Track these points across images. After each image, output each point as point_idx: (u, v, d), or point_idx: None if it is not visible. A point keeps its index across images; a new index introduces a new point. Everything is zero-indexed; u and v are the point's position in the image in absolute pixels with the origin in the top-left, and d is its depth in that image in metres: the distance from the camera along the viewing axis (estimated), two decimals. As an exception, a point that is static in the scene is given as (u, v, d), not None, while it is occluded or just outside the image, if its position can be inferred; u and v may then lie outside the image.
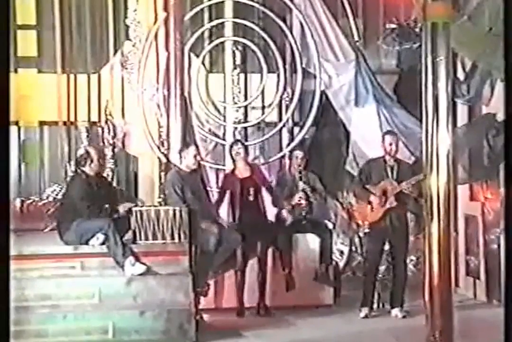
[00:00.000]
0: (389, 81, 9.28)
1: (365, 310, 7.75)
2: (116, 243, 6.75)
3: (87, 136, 8.87)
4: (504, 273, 4.38)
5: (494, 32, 7.44)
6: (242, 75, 9.26)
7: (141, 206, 7.15)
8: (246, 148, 8.18)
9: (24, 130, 8.97)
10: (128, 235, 6.97)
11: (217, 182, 8.99)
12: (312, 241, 8.16)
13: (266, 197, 8.14)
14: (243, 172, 8.04)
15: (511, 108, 4.30)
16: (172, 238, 6.91)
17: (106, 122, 8.83)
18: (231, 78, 9.23)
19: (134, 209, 6.98)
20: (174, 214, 6.93)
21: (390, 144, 7.73)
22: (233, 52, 9.22)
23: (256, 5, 9.19)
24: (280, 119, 9.29)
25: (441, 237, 5.44)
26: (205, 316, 7.39)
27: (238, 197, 7.95)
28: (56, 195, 8.68)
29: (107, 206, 7.02)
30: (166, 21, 8.80)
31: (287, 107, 9.26)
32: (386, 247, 7.84)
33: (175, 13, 8.77)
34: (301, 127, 9.24)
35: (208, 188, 8.26)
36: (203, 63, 9.21)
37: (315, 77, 9.17)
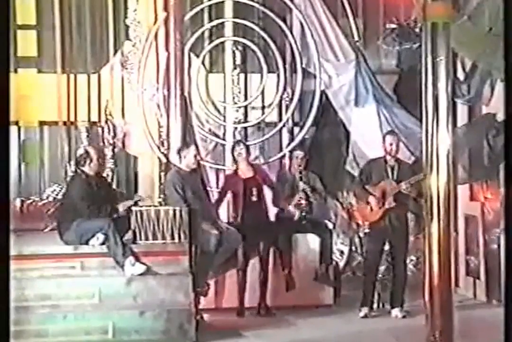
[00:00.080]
0: (389, 81, 9.27)
1: (364, 310, 7.76)
2: (116, 243, 6.75)
3: (87, 136, 8.87)
4: (504, 273, 4.38)
5: (494, 32, 7.44)
6: (242, 75, 9.26)
7: (141, 201, 7.15)
8: (248, 148, 8.17)
9: (24, 130, 8.97)
10: (128, 235, 6.97)
11: (217, 182, 9.00)
12: (312, 241, 8.17)
13: (269, 197, 8.14)
14: (245, 172, 8.03)
15: (511, 108, 4.30)
16: (172, 238, 6.91)
17: (106, 122, 8.83)
18: (231, 78, 9.23)
19: (134, 208, 6.98)
20: (174, 214, 6.93)
21: (391, 144, 7.73)
22: (233, 52, 9.22)
23: (256, 5, 9.18)
24: (280, 119, 9.29)
25: (441, 237, 5.44)
26: (205, 316, 7.39)
27: (241, 197, 7.94)
28: (56, 195, 8.68)
29: (107, 205, 7.03)
30: (166, 21, 8.80)
31: (287, 107, 9.26)
32: (386, 247, 7.85)
33: (175, 13, 8.77)
34: (301, 127, 9.24)
35: (208, 188, 8.25)
36: (203, 63, 9.21)
37: (315, 77, 9.17)
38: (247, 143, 8.68)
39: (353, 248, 9.03)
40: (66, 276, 6.78)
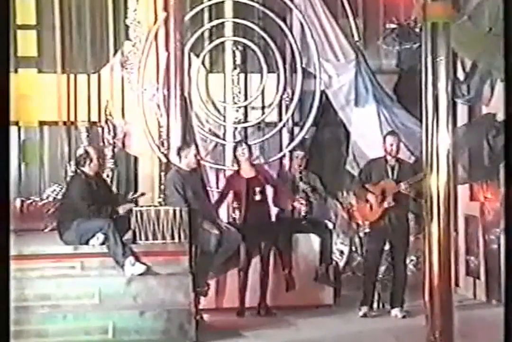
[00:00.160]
0: (389, 81, 9.27)
1: (364, 309, 7.76)
2: (116, 243, 6.75)
3: (87, 136, 8.87)
4: (504, 273, 4.37)
5: (494, 32, 7.44)
6: (242, 75, 9.25)
7: (139, 197, 7.13)
8: (250, 149, 8.17)
9: (24, 130, 8.96)
10: (128, 235, 6.97)
11: (217, 182, 9.00)
12: (312, 241, 8.16)
13: (271, 197, 8.14)
14: (248, 172, 8.02)
15: (511, 108, 4.29)
16: (172, 238, 6.91)
17: (106, 122, 8.83)
18: (231, 78, 9.22)
19: (134, 208, 6.99)
20: (174, 214, 6.93)
21: (391, 145, 7.73)
22: (233, 52, 9.22)
23: (256, 5, 9.18)
24: (280, 119, 9.29)
25: (441, 237, 5.45)
26: (205, 316, 7.39)
27: (244, 197, 7.94)
28: (56, 195, 8.68)
29: (107, 205, 7.03)
30: (166, 21, 8.79)
31: (287, 107, 9.26)
32: (386, 246, 7.85)
33: (175, 13, 8.76)
34: (301, 127, 9.24)
35: (208, 188, 8.25)
36: (203, 63, 9.21)
37: (315, 77, 9.17)
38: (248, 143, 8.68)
39: (353, 248, 9.03)
40: (66, 276, 6.78)
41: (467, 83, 8.29)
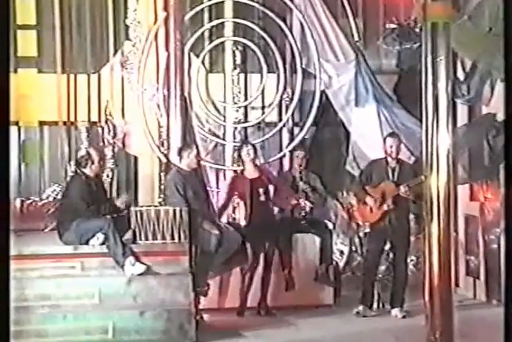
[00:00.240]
0: (389, 81, 9.27)
1: (361, 308, 7.74)
2: (116, 242, 6.75)
3: (87, 136, 8.86)
4: (504, 273, 4.37)
5: (494, 32, 7.44)
6: (242, 75, 9.25)
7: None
8: (255, 149, 8.16)
9: (24, 130, 8.96)
10: (128, 235, 6.97)
11: (217, 182, 9.00)
12: (312, 241, 8.16)
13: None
14: (252, 172, 8.02)
15: (511, 108, 4.29)
16: (172, 238, 6.91)
17: (106, 122, 8.82)
18: (231, 78, 9.22)
19: (134, 208, 6.99)
20: (174, 214, 6.93)
21: (391, 146, 7.73)
22: (233, 52, 9.22)
23: (256, 5, 9.18)
24: (280, 119, 9.28)
25: (441, 237, 5.44)
26: (205, 316, 7.39)
27: (248, 198, 7.93)
28: (56, 195, 8.67)
29: (107, 205, 7.06)
30: (166, 21, 8.79)
31: (287, 107, 9.25)
32: (387, 247, 7.85)
33: (175, 13, 8.76)
34: (301, 127, 9.23)
35: (208, 188, 8.25)
36: (203, 63, 9.20)
37: (315, 77, 9.17)
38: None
39: (353, 248, 9.02)
40: (66, 276, 6.78)
41: (467, 83, 8.29)
